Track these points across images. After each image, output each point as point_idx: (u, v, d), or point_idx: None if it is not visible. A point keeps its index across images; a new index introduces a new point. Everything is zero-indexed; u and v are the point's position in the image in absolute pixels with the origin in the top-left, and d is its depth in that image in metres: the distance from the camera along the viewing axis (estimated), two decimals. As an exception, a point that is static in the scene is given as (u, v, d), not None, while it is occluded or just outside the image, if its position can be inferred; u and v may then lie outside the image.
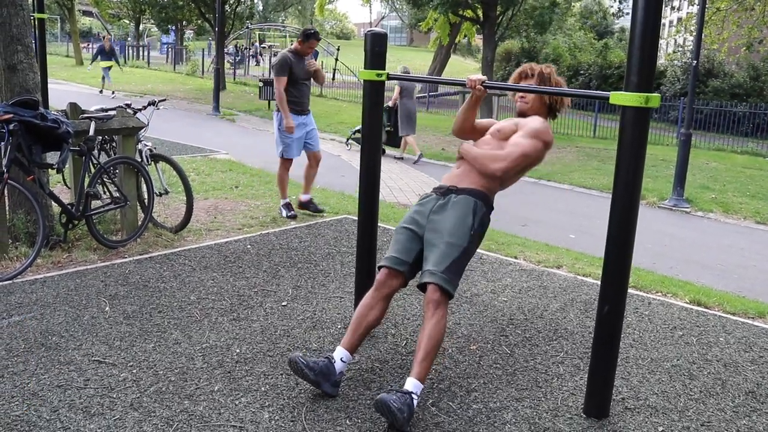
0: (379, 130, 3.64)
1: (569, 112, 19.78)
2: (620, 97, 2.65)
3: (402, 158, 12.43)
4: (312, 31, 6.34)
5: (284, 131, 6.21)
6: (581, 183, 11.05)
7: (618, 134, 2.73)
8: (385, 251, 5.09)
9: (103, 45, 21.11)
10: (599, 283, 4.62)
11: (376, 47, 3.50)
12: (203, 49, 33.52)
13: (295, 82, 6.25)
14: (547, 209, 8.82)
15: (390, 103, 12.20)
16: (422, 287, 2.98)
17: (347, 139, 13.37)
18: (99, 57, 20.82)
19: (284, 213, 6.33)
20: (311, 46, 6.35)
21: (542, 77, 3.39)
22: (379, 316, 3.06)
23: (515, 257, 5.42)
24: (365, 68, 3.52)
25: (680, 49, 27.74)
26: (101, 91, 19.74)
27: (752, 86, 21.05)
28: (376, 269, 3.22)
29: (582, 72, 26.11)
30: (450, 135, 15.83)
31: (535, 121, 3.28)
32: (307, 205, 6.51)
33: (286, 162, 6.40)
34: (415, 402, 2.70)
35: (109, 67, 20.73)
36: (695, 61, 10.27)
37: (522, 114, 3.43)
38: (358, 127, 12.64)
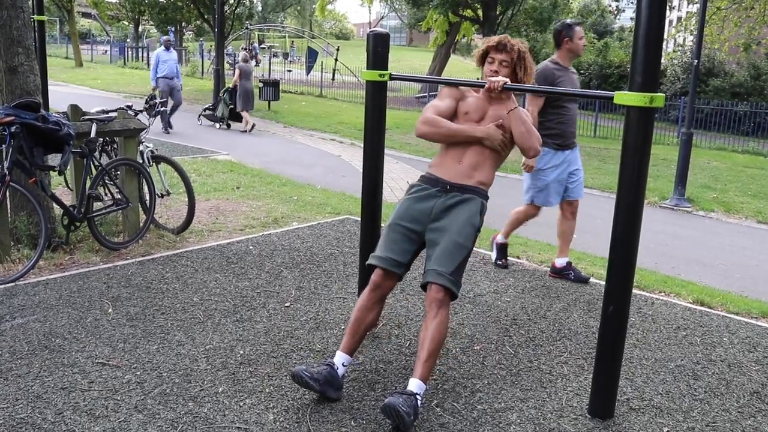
0: (383, 130, 3.63)
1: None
2: (625, 97, 2.64)
3: (246, 131, 14.23)
4: (569, 22, 4.67)
5: (542, 172, 4.66)
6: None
7: (622, 134, 2.73)
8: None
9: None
10: (602, 282, 4.62)
11: (378, 47, 3.49)
12: (202, 51, 33.51)
13: (561, 102, 4.56)
14: (547, 209, 8.81)
15: (231, 85, 14.68)
16: (425, 285, 2.94)
17: (199, 115, 15.12)
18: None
19: (494, 255, 4.99)
20: (579, 37, 4.61)
21: (519, 54, 3.23)
22: (376, 318, 3.07)
23: (518, 257, 5.42)
24: (368, 68, 3.52)
25: (680, 48, 27.72)
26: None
27: (753, 85, 21.03)
28: (366, 265, 3.15)
29: (582, 71, 26.07)
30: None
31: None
32: (564, 272, 4.84)
33: (531, 209, 4.91)
34: (419, 403, 2.71)
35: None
36: (696, 61, 10.26)
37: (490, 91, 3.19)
38: (208, 104, 15.44)
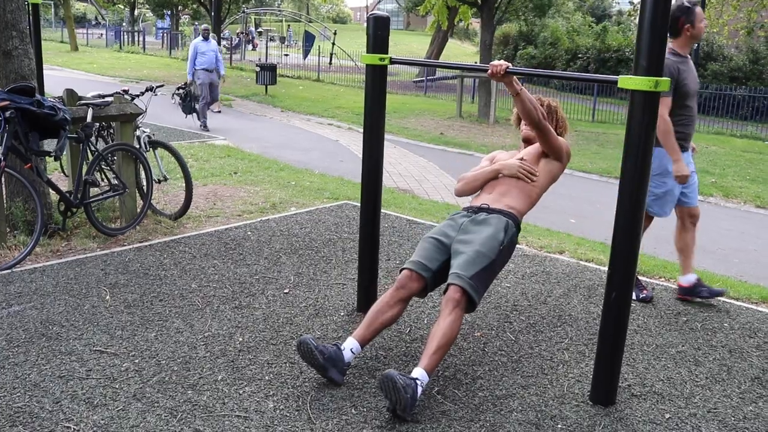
0: (383, 115, 3.59)
1: (568, 96, 19.39)
2: (629, 81, 2.60)
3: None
4: (688, 4, 3.93)
5: (662, 176, 4.02)
6: (581, 167, 11.00)
7: (626, 119, 2.69)
8: (387, 236, 5.08)
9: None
10: (602, 268, 4.60)
11: (379, 31, 3.44)
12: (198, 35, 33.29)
13: (684, 100, 3.94)
14: (547, 193, 8.78)
15: None
16: (446, 289, 2.97)
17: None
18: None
19: (637, 294, 4.16)
20: (701, 20, 3.95)
21: (549, 109, 3.57)
22: (395, 317, 3.04)
23: (518, 243, 5.39)
24: (368, 52, 3.47)
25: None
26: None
27: (752, 69, 20.95)
28: (398, 271, 3.21)
29: (580, 55, 25.95)
30: (448, 119, 15.83)
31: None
32: (697, 291, 4.20)
33: (645, 220, 3.99)
34: (419, 390, 2.68)
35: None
36: (696, 45, 10.19)
37: (527, 140, 3.59)
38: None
